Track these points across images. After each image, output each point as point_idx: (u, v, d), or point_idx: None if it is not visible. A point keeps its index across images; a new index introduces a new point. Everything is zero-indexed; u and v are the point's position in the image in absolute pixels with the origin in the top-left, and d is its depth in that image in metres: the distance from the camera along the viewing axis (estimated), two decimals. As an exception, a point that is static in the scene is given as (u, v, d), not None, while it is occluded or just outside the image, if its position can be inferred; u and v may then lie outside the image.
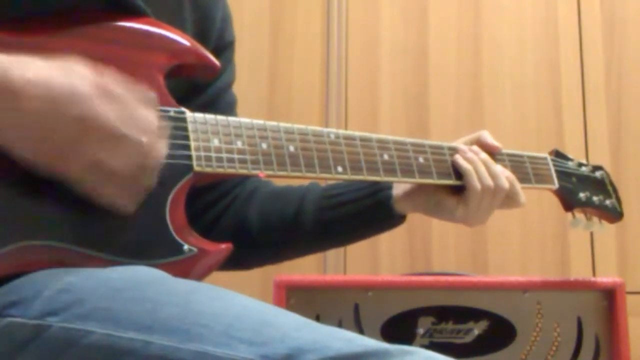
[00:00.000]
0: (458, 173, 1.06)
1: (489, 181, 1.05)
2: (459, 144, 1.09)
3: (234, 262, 0.99)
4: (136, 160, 0.78)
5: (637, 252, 2.05)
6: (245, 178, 1.11)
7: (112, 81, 0.76)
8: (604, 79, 2.15)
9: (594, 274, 2.04)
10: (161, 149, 0.80)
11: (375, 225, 1.09)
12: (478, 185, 1.04)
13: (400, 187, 1.08)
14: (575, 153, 2.10)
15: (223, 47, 1.08)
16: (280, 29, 2.21)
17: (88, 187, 0.77)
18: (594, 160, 2.10)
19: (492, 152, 1.10)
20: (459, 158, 1.06)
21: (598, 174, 1.27)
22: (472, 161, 1.06)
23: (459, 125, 2.13)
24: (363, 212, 1.07)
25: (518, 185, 1.09)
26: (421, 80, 2.17)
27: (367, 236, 1.12)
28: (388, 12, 2.21)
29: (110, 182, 0.77)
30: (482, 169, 1.05)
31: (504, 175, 1.07)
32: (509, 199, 1.08)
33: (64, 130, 0.73)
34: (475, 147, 1.08)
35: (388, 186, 1.07)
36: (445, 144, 1.08)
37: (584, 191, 1.22)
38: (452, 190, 1.07)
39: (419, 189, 1.07)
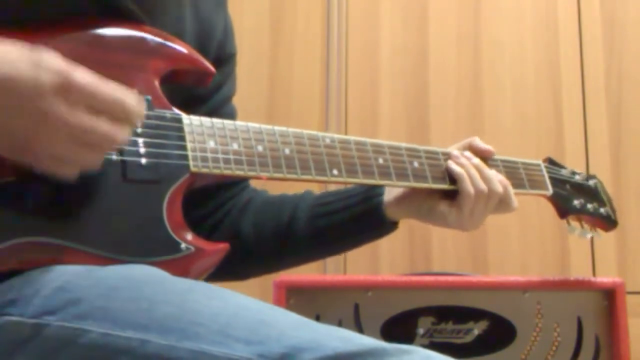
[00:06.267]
0: (452, 178, 1.05)
1: (482, 185, 1.04)
2: (451, 149, 1.09)
3: (231, 273, 0.99)
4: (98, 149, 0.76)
5: (637, 252, 2.05)
6: (240, 190, 1.11)
7: (82, 77, 0.74)
8: (604, 79, 2.14)
9: (594, 274, 2.04)
10: (122, 137, 0.77)
11: (367, 232, 1.09)
12: (471, 190, 1.03)
13: (392, 193, 1.07)
14: (575, 153, 2.11)
15: (224, 59, 1.08)
16: (280, 30, 2.21)
17: (46, 169, 0.76)
18: (594, 160, 2.11)
19: (485, 157, 1.09)
20: (451, 163, 1.06)
21: (592, 182, 1.27)
22: (465, 166, 1.05)
23: (459, 125, 2.13)
24: (354, 219, 1.06)
25: (511, 190, 1.08)
26: (421, 80, 2.17)
27: (360, 243, 1.11)
28: (388, 13, 2.21)
29: (66, 165, 0.75)
30: (475, 173, 1.05)
31: (497, 179, 1.06)
32: (502, 204, 1.07)
33: (24, 122, 0.72)
34: (467, 153, 1.08)
35: (379, 192, 1.07)
36: (440, 149, 1.08)
37: (578, 198, 1.22)
38: (445, 195, 1.06)
39: (411, 194, 1.07)
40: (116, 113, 0.75)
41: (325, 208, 1.07)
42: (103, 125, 0.74)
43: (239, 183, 1.12)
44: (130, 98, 0.76)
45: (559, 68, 2.16)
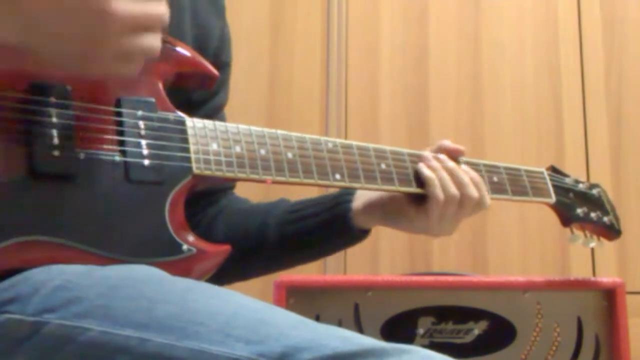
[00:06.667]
0: (421, 181, 1.03)
1: (454, 190, 1.02)
2: (425, 152, 1.06)
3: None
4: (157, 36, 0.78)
5: (637, 252, 2.05)
6: (219, 197, 1.11)
7: None
8: (604, 79, 2.15)
9: (594, 274, 2.04)
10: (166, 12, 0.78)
11: (334, 240, 1.07)
12: (440, 195, 1.01)
13: (360, 199, 1.06)
14: (574, 153, 2.11)
15: (219, 66, 1.08)
16: (280, 30, 2.21)
17: (110, 70, 0.77)
18: (594, 161, 2.11)
19: (455, 156, 1.07)
20: (422, 166, 1.03)
21: (595, 191, 1.26)
22: (435, 169, 1.03)
23: (459, 125, 2.13)
24: (322, 226, 1.05)
25: (484, 188, 1.06)
26: (421, 80, 2.17)
27: (329, 251, 1.10)
28: (388, 12, 2.21)
29: (131, 60, 0.77)
30: (446, 176, 1.02)
31: (472, 181, 1.04)
32: (477, 205, 1.04)
33: (84, 28, 0.72)
34: (442, 156, 1.05)
35: (348, 200, 1.06)
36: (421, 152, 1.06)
37: (582, 207, 1.21)
38: (414, 199, 1.04)
39: (380, 200, 1.05)
40: None
41: (294, 215, 1.07)
42: (152, 5, 0.76)
43: (219, 190, 1.11)
44: None
45: (559, 68, 2.16)
